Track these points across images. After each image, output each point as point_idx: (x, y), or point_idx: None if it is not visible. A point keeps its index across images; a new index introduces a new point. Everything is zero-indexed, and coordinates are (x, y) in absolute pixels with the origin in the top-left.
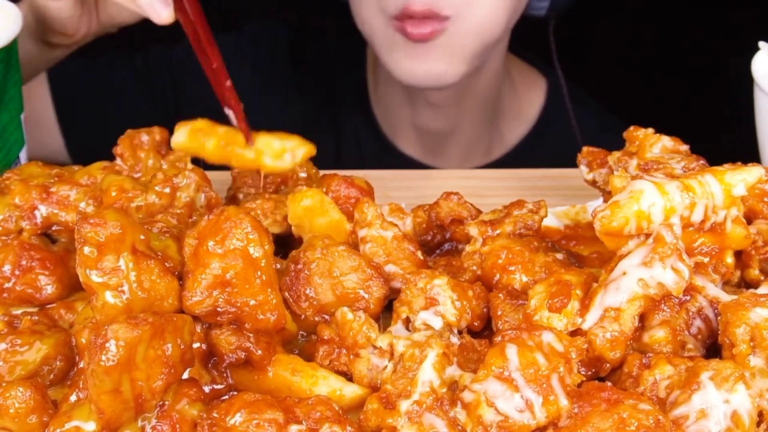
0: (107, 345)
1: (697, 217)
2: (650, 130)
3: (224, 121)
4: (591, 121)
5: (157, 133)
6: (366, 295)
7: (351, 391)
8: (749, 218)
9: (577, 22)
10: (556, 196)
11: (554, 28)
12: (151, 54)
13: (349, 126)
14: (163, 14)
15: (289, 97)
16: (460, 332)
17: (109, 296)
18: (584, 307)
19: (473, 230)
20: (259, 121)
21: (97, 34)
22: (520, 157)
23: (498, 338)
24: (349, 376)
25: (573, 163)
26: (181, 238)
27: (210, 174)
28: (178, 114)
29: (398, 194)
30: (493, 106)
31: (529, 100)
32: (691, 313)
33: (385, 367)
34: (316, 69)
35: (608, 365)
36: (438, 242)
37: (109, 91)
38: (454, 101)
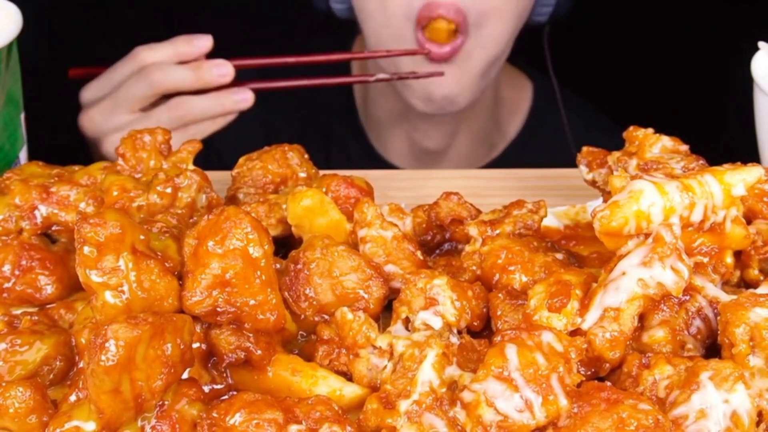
0: (107, 345)
1: (696, 217)
2: (650, 130)
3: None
4: (580, 123)
5: (159, 133)
6: (366, 295)
7: (351, 391)
8: (749, 218)
9: (573, 22)
10: (556, 196)
11: (549, 32)
12: None
13: (337, 138)
14: (250, 100)
15: (274, 116)
16: (459, 332)
17: (108, 296)
18: (584, 307)
19: (473, 230)
20: (252, 131)
21: None
22: (509, 161)
23: (497, 338)
24: (348, 376)
25: (562, 164)
26: (181, 238)
27: (210, 174)
28: None
29: (398, 194)
30: (488, 117)
31: (517, 105)
32: (690, 313)
33: (385, 367)
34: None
35: (608, 365)
36: (438, 242)
37: None
38: (454, 116)
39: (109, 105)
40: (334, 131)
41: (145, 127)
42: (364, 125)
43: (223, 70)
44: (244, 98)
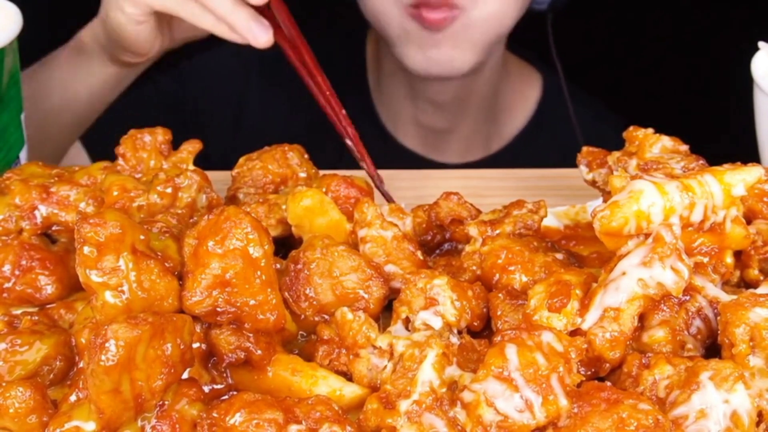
0: (107, 345)
1: (696, 217)
2: (650, 130)
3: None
4: (587, 116)
5: (160, 133)
6: (366, 295)
7: (351, 391)
8: (749, 218)
9: (574, 18)
10: (556, 196)
11: (552, 23)
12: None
13: (351, 116)
14: (261, 38)
15: (292, 94)
16: (459, 332)
17: (108, 296)
18: (584, 307)
19: (473, 230)
20: (266, 117)
21: (167, 50)
22: (517, 151)
23: (498, 338)
24: (348, 376)
25: (569, 157)
26: (181, 238)
27: (210, 174)
28: (196, 128)
29: (398, 194)
30: (491, 103)
31: (525, 95)
32: (690, 313)
33: (385, 367)
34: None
35: (608, 365)
36: (438, 242)
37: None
38: (456, 99)
39: None
40: (348, 110)
41: None
42: (377, 105)
43: None
44: (259, 36)
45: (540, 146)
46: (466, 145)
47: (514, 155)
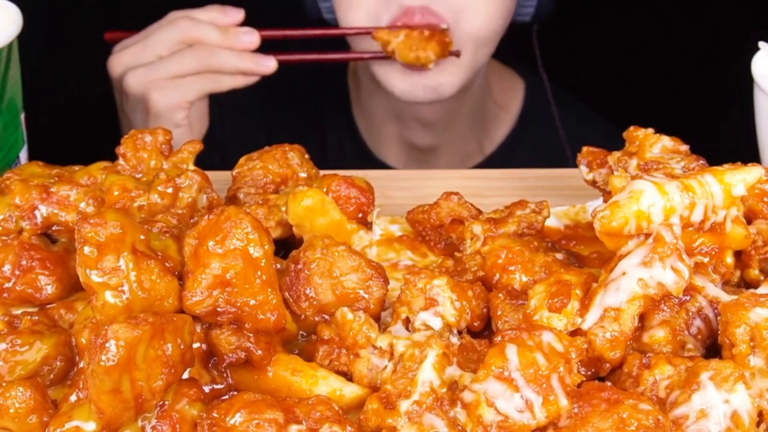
0: (107, 345)
1: (696, 217)
2: (650, 130)
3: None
4: (573, 120)
5: (160, 133)
6: (366, 295)
7: (351, 391)
8: (749, 218)
9: (572, 23)
10: (556, 196)
11: (540, 32)
12: None
13: (333, 138)
14: (271, 64)
15: (273, 113)
16: (459, 332)
17: (109, 296)
18: (584, 307)
19: (477, 228)
20: (247, 134)
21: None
22: (501, 158)
23: (498, 338)
24: (349, 376)
25: (555, 162)
26: (182, 238)
27: (211, 174)
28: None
29: (398, 194)
30: (478, 115)
31: (508, 102)
32: (690, 313)
33: (385, 367)
34: (300, 80)
35: (608, 365)
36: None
37: None
38: (445, 116)
39: (139, 48)
40: (330, 130)
41: (169, 67)
42: (358, 121)
43: (251, 37)
44: (267, 64)
45: (526, 152)
46: (451, 160)
47: (497, 164)
